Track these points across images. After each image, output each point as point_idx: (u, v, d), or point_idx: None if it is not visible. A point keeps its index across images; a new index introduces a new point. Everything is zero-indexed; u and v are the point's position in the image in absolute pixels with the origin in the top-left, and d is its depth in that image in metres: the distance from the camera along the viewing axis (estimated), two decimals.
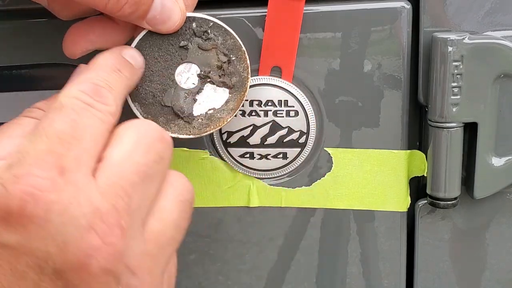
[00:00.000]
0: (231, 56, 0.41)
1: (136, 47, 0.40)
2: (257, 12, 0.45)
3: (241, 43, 0.41)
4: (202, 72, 0.41)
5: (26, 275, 0.30)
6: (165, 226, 0.34)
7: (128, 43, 0.41)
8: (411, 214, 0.50)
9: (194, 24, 0.40)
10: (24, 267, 0.30)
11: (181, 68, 0.41)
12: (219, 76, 0.41)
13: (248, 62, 0.41)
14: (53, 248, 0.30)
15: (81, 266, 0.30)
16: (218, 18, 0.43)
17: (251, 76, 0.46)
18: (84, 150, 0.32)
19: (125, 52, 0.38)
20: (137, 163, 0.33)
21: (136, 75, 0.39)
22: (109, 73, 0.36)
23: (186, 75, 0.41)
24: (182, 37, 0.40)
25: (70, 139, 0.31)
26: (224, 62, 0.41)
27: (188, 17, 0.40)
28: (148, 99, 0.41)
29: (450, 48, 0.44)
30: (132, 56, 0.39)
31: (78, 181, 0.31)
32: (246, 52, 0.41)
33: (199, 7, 0.46)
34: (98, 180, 0.32)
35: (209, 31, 0.40)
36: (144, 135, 0.34)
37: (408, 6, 0.45)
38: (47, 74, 0.48)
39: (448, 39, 0.44)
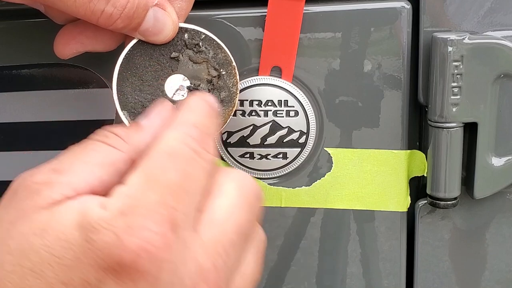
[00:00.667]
0: (222, 70, 0.41)
1: (127, 55, 0.40)
2: (257, 12, 0.45)
3: (231, 58, 0.41)
4: (192, 85, 0.41)
5: None
6: (245, 281, 0.34)
7: (120, 48, 0.41)
8: (411, 214, 0.50)
9: (186, 35, 0.40)
10: None
11: (171, 80, 0.40)
12: (209, 90, 0.41)
13: (238, 77, 0.41)
14: None
15: None
16: (218, 18, 0.43)
17: (252, 76, 0.46)
18: (192, 203, 0.31)
19: (208, 99, 0.36)
20: (239, 223, 0.32)
21: (218, 124, 0.38)
22: (207, 118, 0.35)
23: (176, 86, 0.41)
24: (173, 48, 0.40)
25: (181, 191, 0.30)
26: (214, 77, 0.41)
27: (180, 28, 0.40)
28: (137, 108, 0.40)
29: (450, 48, 0.44)
30: (214, 104, 0.37)
31: (186, 238, 0.30)
32: (236, 68, 0.41)
33: (199, 7, 0.46)
34: (202, 235, 0.31)
35: (200, 43, 0.40)
36: (247, 192, 0.33)
37: (408, 6, 0.45)
38: (47, 74, 0.48)
39: (448, 39, 0.44)
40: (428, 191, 0.47)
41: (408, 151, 0.48)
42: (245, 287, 0.33)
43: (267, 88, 0.46)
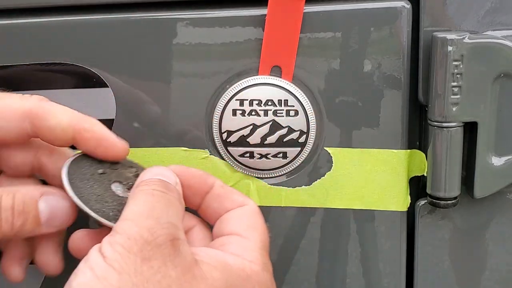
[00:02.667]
0: (136, 168, 0.44)
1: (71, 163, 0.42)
2: (257, 12, 0.45)
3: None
4: (130, 183, 0.43)
5: None
6: None
7: None
8: (411, 214, 0.50)
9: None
10: None
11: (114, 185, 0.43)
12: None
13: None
14: None
15: None
16: (218, 18, 0.43)
17: (252, 76, 0.46)
18: None
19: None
20: None
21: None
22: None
23: (120, 188, 0.43)
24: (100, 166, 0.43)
25: None
26: (135, 172, 0.44)
27: None
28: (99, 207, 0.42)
29: (450, 48, 0.44)
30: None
31: None
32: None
33: (199, 7, 0.46)
34: None
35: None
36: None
37: (408, 5, 0.45)
38: (47, 74, 0.48)
39: (448, 38, 0.44)
40: (428, 191, 0.47)
41: (408, 150, 0.48)
42: None
43: (267, 88, 0.46)
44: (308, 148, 0.47)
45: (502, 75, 0.45)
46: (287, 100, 0.46)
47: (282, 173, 0.48)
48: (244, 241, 0.40)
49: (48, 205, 0.40)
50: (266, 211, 0.49)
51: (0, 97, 0.42)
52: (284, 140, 0.47)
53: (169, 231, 0.36)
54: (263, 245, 0.41)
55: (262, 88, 0.46)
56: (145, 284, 0.34)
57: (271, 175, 0.48)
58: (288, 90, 0.46)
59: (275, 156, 0.47)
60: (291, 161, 0.48)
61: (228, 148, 0.47)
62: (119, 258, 0.34)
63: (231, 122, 0.47)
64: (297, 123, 0.47)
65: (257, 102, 0.46)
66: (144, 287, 0.33)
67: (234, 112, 0.46)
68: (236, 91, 0.46)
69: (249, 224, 0.41)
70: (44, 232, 0.40)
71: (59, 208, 0.40)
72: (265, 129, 0.47)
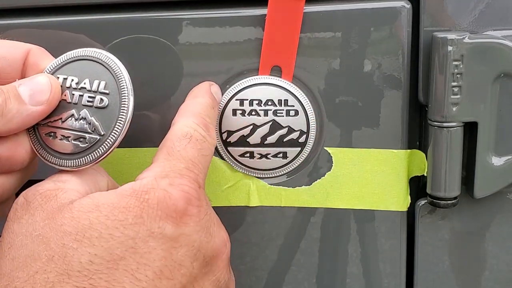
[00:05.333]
0: None
1: None
2: (257, 12, 0.45)
3: None
4: None
5: (183, 263, 0.36)
6: None
7: None
8: (411, 214, 0.50)
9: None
10: (182, 256, 0.36)
11: None
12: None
13: None
14: (204, 239, 0.37)
15: (218, 254, 0.39)
16: (218, 18, 0.42)
17: (252, 76, 0.46)
18: (205, 173, 0.40)
19: (212, 89, 0.45)
20: None
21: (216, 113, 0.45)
22: (209, 110, 0.43)
23: None
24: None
25: (198, 163, 0.39)
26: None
27: None
28: None
29: (450, 48, 0.44)
30: (216, 93, 0.45)
31: (205, 193, 0.39)
32: None
33: (199, 7, 0.46)
34: None
35: None
36: None
37: (408, 5, 0.45)
38: None
39: (448, 38, 0.44)
40: (428, 191, 0.47)
41: (408, 150, 0.48)
42: None
43: (267, 88, 0.46)
44: (308, 148, 0.47)
45: (502, 75, 0.45)
46: (287, 100, 0.46)
47: (282, 173, 0.48)
48: None
49: (27, 85, 0.40)
50: (266, 211, 0.49)
51: None
52: (284, 140, 0.47)
53: None
54: None
55: (262, 88, 0.46)
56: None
57: (271, 175, 0.48)
58: (288, 90, 0.46)
59: (275, 156, 0.47)
60: (291, 161, 0.48)
61: (228, 148, 0.47)
62: None
63: (231, 122, 0.47)
64: (297, 123, 0.47)
65: (257, 102, 0.46)
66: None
67: (234, 112, 0.46)
68: (236, 91, 0.46)
69: None
70: (34, 111, 0.39)
71: (38, 85, 0.40)
72: (265, 129, 0.47)
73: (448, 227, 0.50)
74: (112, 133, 0.40)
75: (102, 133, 0.40)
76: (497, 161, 0.47)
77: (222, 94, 0.46)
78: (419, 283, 0.51)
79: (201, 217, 0.37)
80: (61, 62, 0.42)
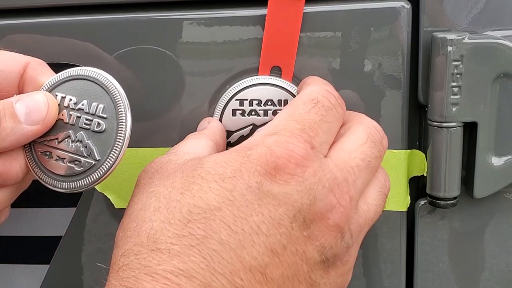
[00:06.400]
0: None
1: None
2: (257, 12, 0.45)
3: None
4: None
5: (282, 222, 0.35)
6: (369, 208, 0.40)
7: None
8: (411, 214, 0.50)
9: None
10: (281, 215, 0.35)
11: None
12: None
13: None
14: (306, 200, 0.36)
15: (322, 218, 0.36)
16: (218, 18, 0.43)
17: (252, 76, 0.46)
18: (325, 139, 0.39)
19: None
20: (364, 152, 0.40)
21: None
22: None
23: None
24: None
25: (318, 128, 0.38)
26: None
27: None
28: None
29: (450, 48, 0.44)
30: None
31: (321, 157, 0.38)
32: None
33: (199, 7, 0.46)
34: (333, 158, 0.38)
35: None
36: (373, 134, 0.41)
37: (407, 6, 0.45)
38: None
39: (448, 39, 0.44)
40: (428, 191, 0.47)
41: (408, 150, 0.48)
42: (367, 215, 0.40)
43: (267, 88, 0.46)
44: None
45: (502, 75, 0.45)
46: (287, 100, 0.46)
47: None
48: None
49: (23, 102, 0.40)
50: None
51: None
52: None
53: None
54: None
55: (262, 88, 0.46)
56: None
57: None
58: (288, 90, 0.46)
59: None
60: None
61: (228, 148, 0.47)
62: None
63: (231, 122, 0.47)
64: None
65: (257, 102, 0.46)
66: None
67: (234, 112, 0.46)
68: (236, 91, 0.46)
69: None
70: (28, 131, 0.40)
71: (35, 103, 0.40)
72: None
73: (447, 227, 0.50)
74: (108, 159, 0.40)
75: (98, 159, 0.40)
76: (497, 161, 0.47)
77: (222, 94, 0.46)
78: (419, 283, 0.51)
79: (305, 178, 0.36)
80: (61, 79, 0.42)
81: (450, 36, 0.44)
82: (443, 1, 0.46)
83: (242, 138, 0.47)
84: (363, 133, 0.41)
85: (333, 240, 0.37)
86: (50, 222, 0.52)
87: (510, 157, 0.47)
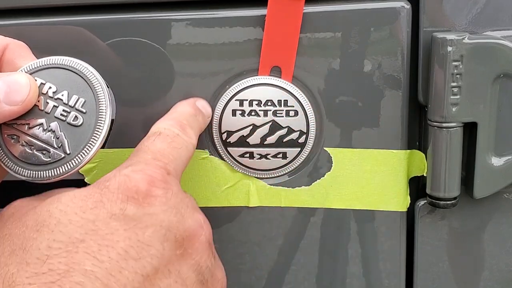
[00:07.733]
0: None
1: None
2: (257, 12, 0.45)
3: None
4: None
5: (151, 244, 0.35)
6: None
7: None
8: (411, 214, 0.50)
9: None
10: (150, 237, 0.35)
11: None
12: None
13: None
14: (174, 218, 0.36)
15: (195, 235, 0.37)
16: (218, 18, 0.42)
17: (251, 76, 0.46)
18: (178, 165, 0.40)
19: (198, 102, 0.45)
20: None
21: (206, 121, 0.46)
22: (188, 116, 0.44)
23: None
24: None
25: (168, 154, 0.39)
26: None
27: None
28: None
29: (449, 48, 0.44)
30: (203, 106, 0.46)
31: (177, 181, 0.39)
32: None
33: (199, 7, 0.46)
34: None
35: None
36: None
37: (407, 6, 0.45)
38: None
39: (448, 39, 0.44)
40: (428, 191, 0.47)
41: (408, 151, 0.48)
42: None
43: (267, 88, 0.46)
44: (308, 148, 0.47)
45: (502, 75, 0.45)
46: (286, 100, 0.46)
47: (282, 173, 0.48)
48: None
49: (4, 81, 0.38)
50: (266, 211, 0.49)
51: None
52: (284, 140, 0.47)
53: None
54: None
55: (262, 88, 0.46)
56: None
57: (271, 175, 0.48)
58: (287, 91, 0.46)
59: (275, 156, 0.47)
60: (291, 161, 0.48)
61: (228, 148, 0.47)
62: None
63: (230, 123, 0.47)
64: (297, 123, 0.47)
65: (256, 102, 0.46)
66: None
67: (233, 113, 0.46)
68: (236, 91, 0.46)
69: None
70: (5, 110, 0.38)
71: (16, 82, 0.39)
72: (264, 129, 0.47)
73: (447, 227, 0.50)
74: (79, 155, 0.38)
75: (68, 152, 0.38)
76: (496, 161, 0.47)
77: (222, 95, 0.46)
78: (419, 283, 0.51)
79: (168, 198, 0.36)
80: (42, 65, 0.40)
81: (450, 36, 0.44)
82: (443, 1, 0.46)
83: (242, 138, 0.47)
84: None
85: (207, 258, 0.38)
86: None
87: (510, 157, 0.47)
